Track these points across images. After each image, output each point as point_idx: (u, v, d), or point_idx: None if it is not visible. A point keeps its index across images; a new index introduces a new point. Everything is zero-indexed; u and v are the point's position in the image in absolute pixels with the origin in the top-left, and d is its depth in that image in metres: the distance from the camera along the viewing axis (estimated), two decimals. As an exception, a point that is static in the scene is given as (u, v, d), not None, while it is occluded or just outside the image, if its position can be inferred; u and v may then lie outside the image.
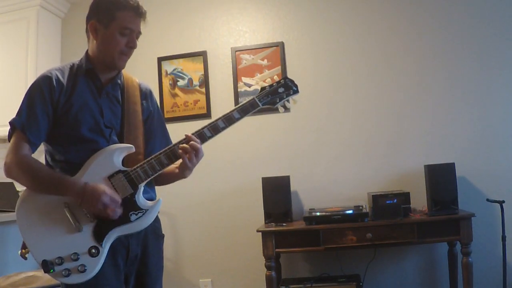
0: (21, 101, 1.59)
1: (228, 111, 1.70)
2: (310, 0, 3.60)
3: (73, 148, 1.59)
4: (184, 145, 1.62)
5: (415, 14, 3.45)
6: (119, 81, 1.72)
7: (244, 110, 1.71)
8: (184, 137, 1.64)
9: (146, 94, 1.80)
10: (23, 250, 1.54)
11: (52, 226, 1.51)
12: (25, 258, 1.56)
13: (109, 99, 1.67)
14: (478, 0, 3.37)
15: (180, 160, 1.66)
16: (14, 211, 1.54)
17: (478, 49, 3.35)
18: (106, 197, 1.49)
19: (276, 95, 1.79)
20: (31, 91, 1.59)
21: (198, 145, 1.63)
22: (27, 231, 1.51)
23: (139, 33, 1.66)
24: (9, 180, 3.04)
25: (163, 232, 1.77)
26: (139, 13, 1.63)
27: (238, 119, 1.70)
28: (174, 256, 3.66)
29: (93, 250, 1.50)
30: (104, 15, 1.60)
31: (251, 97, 1.75)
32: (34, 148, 1.56)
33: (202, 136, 1.66)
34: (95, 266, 1.50)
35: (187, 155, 1.61)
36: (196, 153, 1.62)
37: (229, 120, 1.69)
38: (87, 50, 1.70)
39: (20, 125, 1.54)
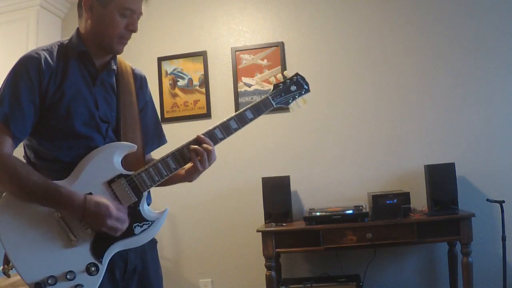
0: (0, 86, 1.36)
1: (239, 110, 1.56)
2: (310, 0, 3.60)
3: (64, 144, 1.38)
4: (196, 146, 1.45)
5: (415, 14, 3.45)
6: (114, 67, 1.50)
7: (258, 110, 1.55)
8: (194, 137, 1.49)
9: (141, 82, 1.61)
10: (6, 266, 1.33)
11: (42, 238, 1.29)
12: (8, 276, 1.35)
13: (104, 88, 1.47)
14: (478, 0, 3.37)
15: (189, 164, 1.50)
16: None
17: (478, 49, 3.35)
18: (111, 220, 1.31)
19: (289, 94, 1.64)
20: (15, 75, 1.36)
21: (211, 147, 1.46)
22: (11, 244, 1.28)
23: (140, 14, 1.45)
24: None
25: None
26: None
27: (251, 120, 1.54)
28: (174, 256, 3.66)
29: (92, 268, 1.30)
30: None
31: (264, 96, 1.60)
32: (17, 143, 1.35)
33: (213, 137, 1.50)
34: (94, 285, 1.31)
35: (199, 158, 1.45)
36: (209, 156, 1.46)
37: (241, 120, 1.52)
38: (77, 28, 1.48)
39: (3, 117, 1.30)
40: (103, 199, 1.33)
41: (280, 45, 3.60)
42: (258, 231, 3.05)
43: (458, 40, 3.38)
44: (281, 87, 1.63)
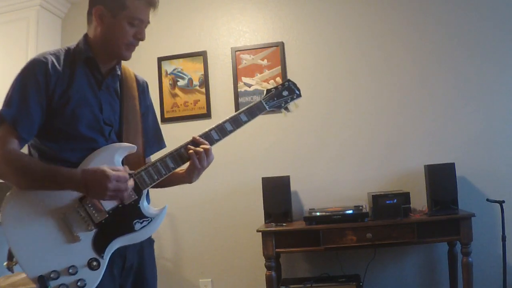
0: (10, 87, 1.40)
1: (234, 113, 1.65)
2: (310, 0, 3.60)
3: (68, 146, 1.42)
4: (193, 147, 1.52)
5: (415, 14, 3.45)
6: (118, 72, 1.57)
7: (251, 113, 1.65)
8: (190, 139, 1.55)
9: (143, 88, 1.68)
10: (10, 262, 1.34)
11: (45, 234, 1.33)
12: (12, 271, 1.38)
13: (109, 93, 1.53)
14: (478, 1, 3.37)
15: (186, 164, 1.55)
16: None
17: (478, 49, 3.35)
18: (111, 182, 1.31)
19: (281, 99, 1.74)
20: (23, 78, 1.39)
21: (208, 146, 1.53)
22: (15, 240, 1.32)
23: (148, 22, 1.53)
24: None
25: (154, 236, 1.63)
26: (152, 3, 1.50)
27: (245, 122, 1.63)
28: (174, 256, 3.66)
29: (94, 263, 1.35)
30: (113, 2, 1.45)
31: (257, 100, 1.70)
32: (23, 144, 1.39)
33: (209, 138, 1.56)
34: (95, 280, 1.35)
35: (197, 156, 1.51)
36: (206, 154, 1.52)
37: (236, 122, 1.61)
38: (86, 34, 1.53)
39: (11, 118, 1.35)
40: (99, 167, 1.34)
41: (280, 45, 3.60)
42: (258, 231, 3.05)
43: (458, 40, 3.38)
44: (273, 92, 1.73)
